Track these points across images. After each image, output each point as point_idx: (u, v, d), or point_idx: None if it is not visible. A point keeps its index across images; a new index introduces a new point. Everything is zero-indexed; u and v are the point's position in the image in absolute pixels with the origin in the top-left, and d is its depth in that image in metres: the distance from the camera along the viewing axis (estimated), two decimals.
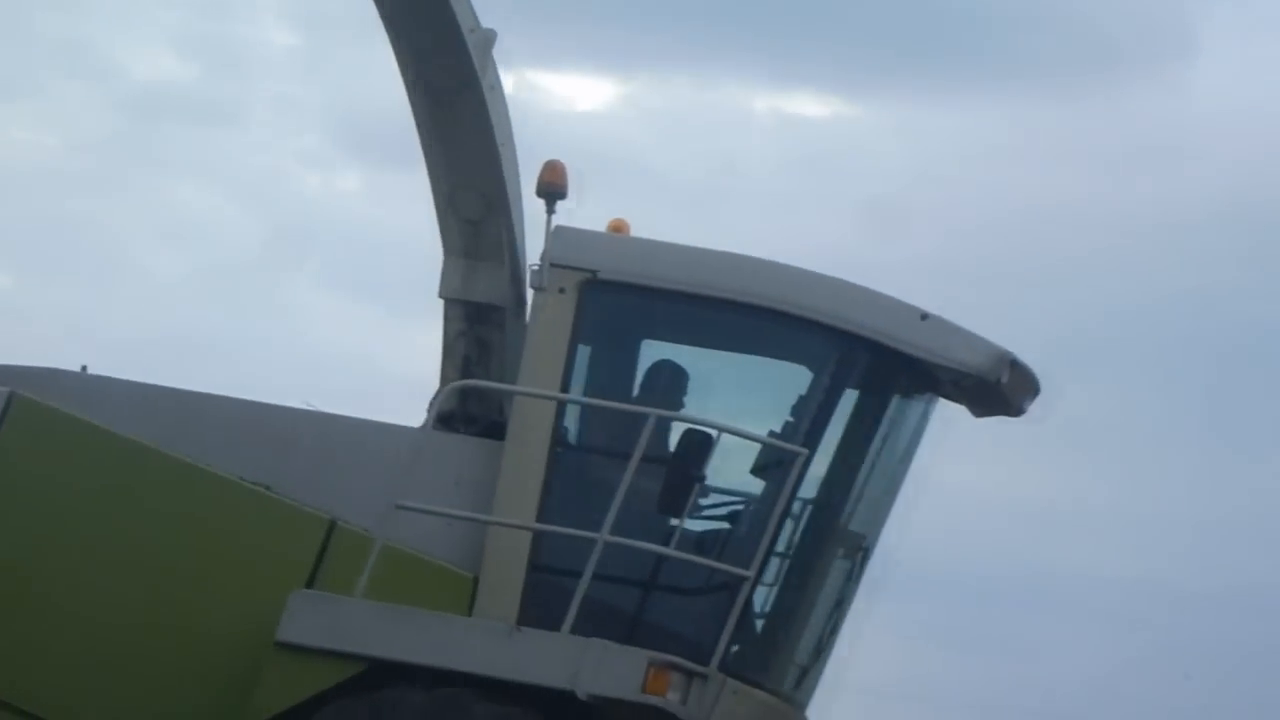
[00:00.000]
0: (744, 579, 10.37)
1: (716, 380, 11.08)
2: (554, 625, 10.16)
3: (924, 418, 11.27)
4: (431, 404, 11.01)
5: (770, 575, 10.57)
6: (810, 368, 10.76)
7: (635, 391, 10.89)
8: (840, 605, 11.28)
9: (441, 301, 11.48)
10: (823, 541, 10.92)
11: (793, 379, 10.86)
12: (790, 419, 10.68)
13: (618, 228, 10.98)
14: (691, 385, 10.93)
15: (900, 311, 10.67)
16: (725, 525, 10.78)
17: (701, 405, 10.63)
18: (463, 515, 10.43)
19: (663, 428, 10.62)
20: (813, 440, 10.55)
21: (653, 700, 9.99)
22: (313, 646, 10.15)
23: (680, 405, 10.86)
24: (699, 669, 10.22)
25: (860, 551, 11.21)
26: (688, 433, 10.34)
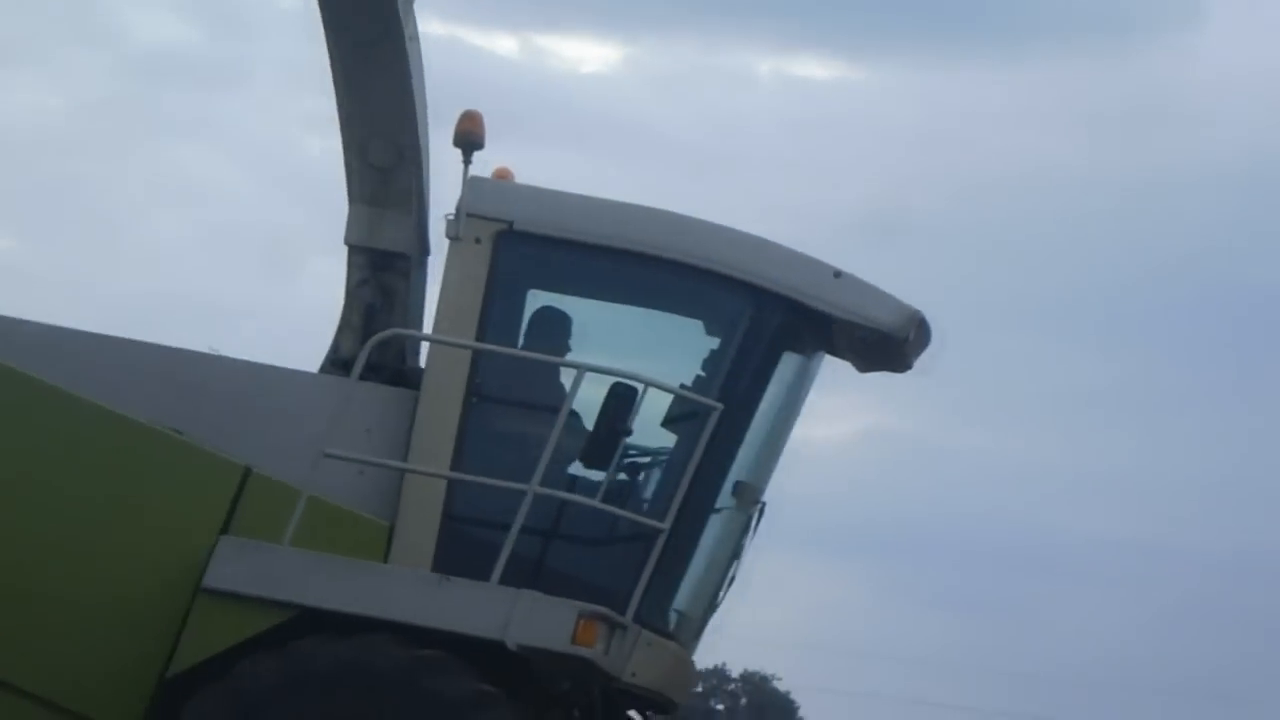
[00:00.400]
0: (659, 532, 10.44)
1: (630, 333, 11.16)
2: (468, 574, 10.16)
3: (814, 374, 11.42)
4: (332, 350, 11.06)
5: (678, 527, 10.59)
6: (725, 323, 10.84)
7: (521, 341, 10.86)
8: (736, 556, 11.39)
9: (345, 248, 11.42)
10: (724, 495, 11.00)
11: (707, 334, 10.98)
12: (703, 374, 10.77)
13: (503, 175, 10.91)
14: (605, 338, 11.03)
15: (815, 269, 10.77)
16: (630, 477, 10.82)
17: (615, 359, 10.59)
18: (395, 465, 10.41)
19: (555, 378, 10.71)
20: (727, 395, 10.61)
21: (582, 652, 10.05)
22: (242, 593, 10.09)
23: (566, 353, 10.90)
24: (621, 620, 10.31)
25: (757, 504, 11.33)
26: (615, 386, 10.34)
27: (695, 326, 11.04)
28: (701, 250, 10.66)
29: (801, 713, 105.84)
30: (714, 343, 10.88)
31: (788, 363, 11.10)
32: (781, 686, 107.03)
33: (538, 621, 10.04)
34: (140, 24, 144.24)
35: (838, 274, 10.77)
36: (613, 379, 10.30)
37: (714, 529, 11.04)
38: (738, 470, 10.96)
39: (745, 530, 11.34)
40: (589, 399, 10.40)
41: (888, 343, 10.96)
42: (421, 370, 10.91)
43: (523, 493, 10.23)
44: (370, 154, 11.25)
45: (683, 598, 11.07)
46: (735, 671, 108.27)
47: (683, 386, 10.72)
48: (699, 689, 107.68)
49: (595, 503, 10.42)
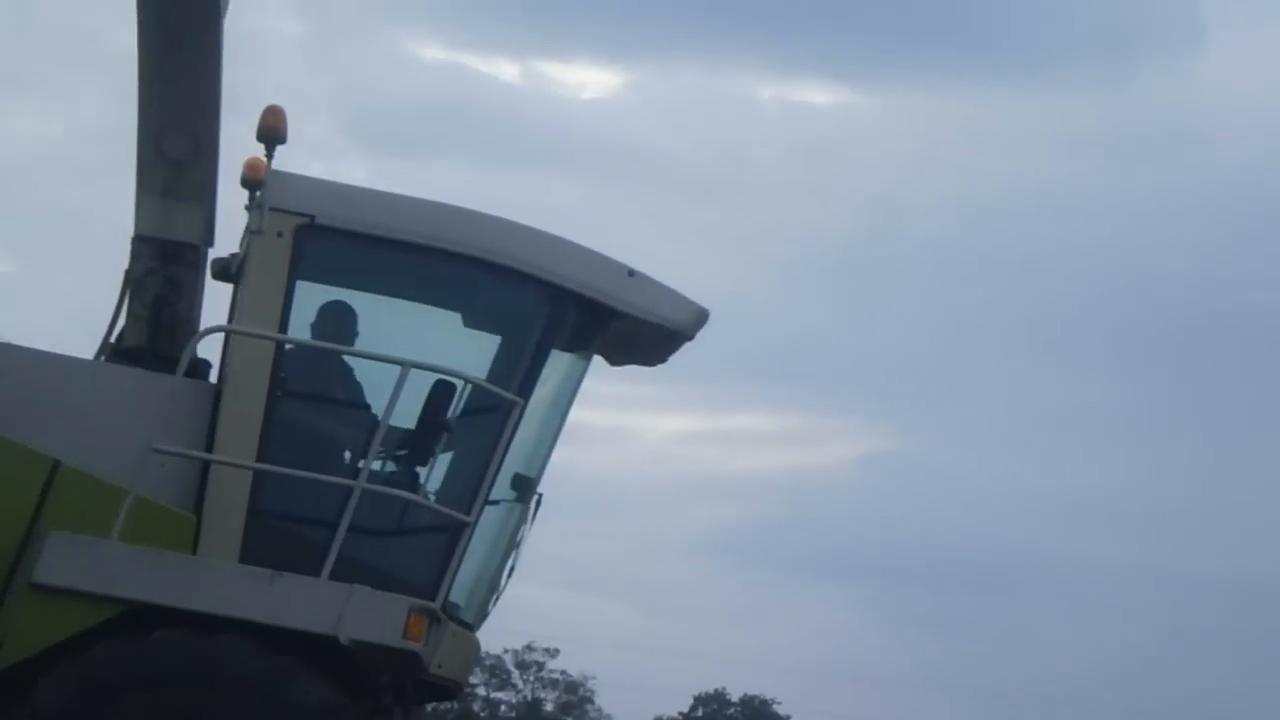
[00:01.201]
0: (464, 525, 10.62)
1: (430, 329, 11.23)
2: (273, 566, 10.24)
3: (588, 369, 11.59)
4: (113, 339, 11.01)
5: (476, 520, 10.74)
6: (522, 319, 11.03)
7: (309, 333, 10.90)
8: (516, 546, 11.57)
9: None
10: (513, 486, 11.19)
11: (506, 330, 11.16)
12: (501, 368, 10.94)
13: (254, 166, 10.75)
14: (404, 334, 11.08)
15: (610, 268, 11.00)
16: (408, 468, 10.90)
17: (413, 354, 10.57)
18: (224, 461, 10.42)
19: (349, 372, 10.81)
20: (525, 390, 10.81)
21: (412, 646, 10.22)
22: (72, 589, 10.04)
23: (351, 344, 10.96)
24: (442, 614, 10.48)
25: (534, 496, 11.49)
26: (437, 383, 10.51)
27: (494, 323, 11.19)
28: (501, 248, 10.82)
29: None
30: (513, 339, 11.06)
31: (576, 358, 11.34)
32: (781, 710, 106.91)
33: (370, 617, 10.17)
34: None
35: (631, 273, 11.01)
36: (396, 369, 10.37)
37: (497, 520, 11.20)
38: (518, 463, 11.11)
39: (523, 521, 11.50)
40: (380, 392, 10.51)
41: (672, 339, 11.25)
42: (207, 362, 10.94)
43: (344, 488, 10.35)
44: (165, 145, 11.24)
45: (475, 588, 11.24)
46: (735, 696, 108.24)
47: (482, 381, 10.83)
48: (699, 713, 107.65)
49: (420, 499, 10.63)
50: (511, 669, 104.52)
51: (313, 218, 10.69)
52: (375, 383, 10.69)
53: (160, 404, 10.42)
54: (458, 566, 10.61)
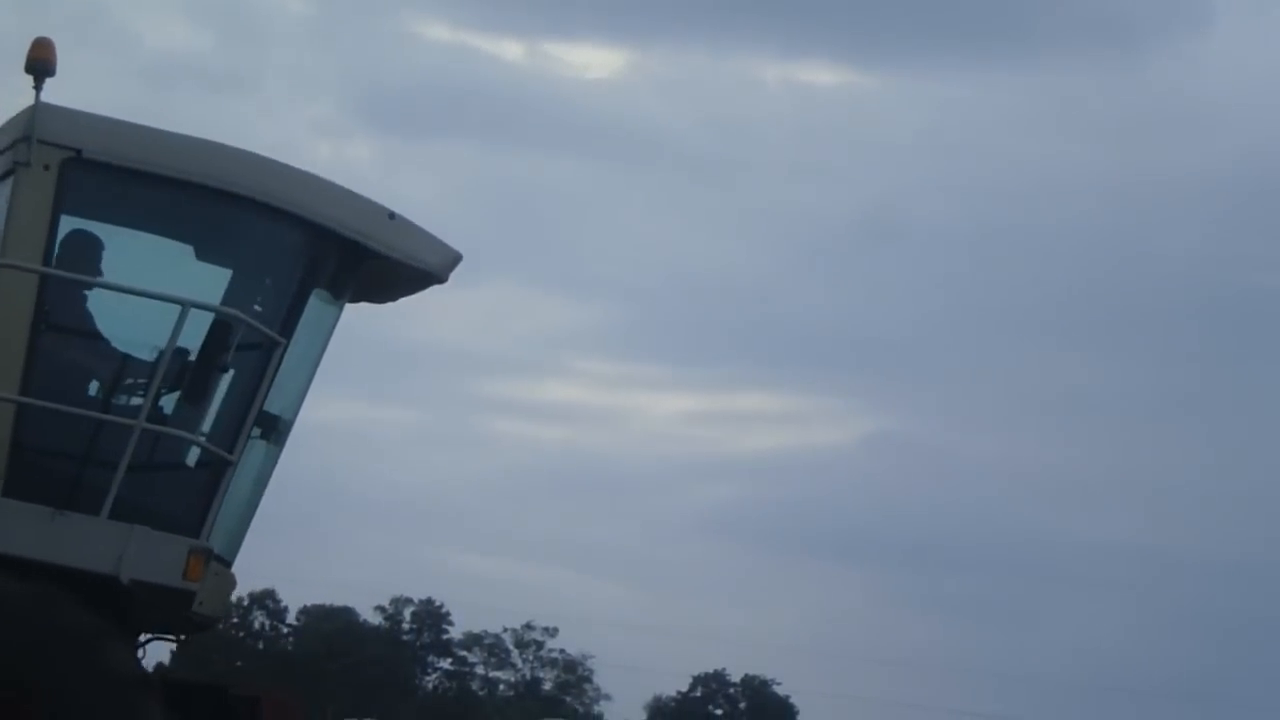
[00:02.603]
0: (229, 463, 10.66)
1: (192, 266, 11.17)
2: (37, 501, 10.18)
3: (342, 310, 11.58)
4: None
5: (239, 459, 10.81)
6: (286, 259, 11.04)
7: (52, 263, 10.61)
8: (264, 485, 11.53)
9: None
10: (258, 424, 11.10)
11: (268, 269, 11.16)
12: (260, 308, 10.93)
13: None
14: (163, 268, 11.04)
15: (372, 210, 11.07)
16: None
17: (174, 290, 10.53)
18: (7, 398, 10.28)
19: (79, 297, 10.75)
20: (287, 330, 10.86)
21: (191, 586, 10.26)
22: None
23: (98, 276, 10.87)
24: (216, 553, 10.50)
25: (282, 434, 11.43)
26: (216, 322, 10.49)
27: (257, 261, 11.17)
28: (267, 187, 10.80)
29: (801, 717, 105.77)
30: (275, 278, 11.07)
31: (331, 299, 11.31)
32: (781, 691, 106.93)
33: (151, 558, 10.19)
34: (149, 29, 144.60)
35: (392, 216, 11.07)
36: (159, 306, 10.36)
37: (253, 459, 11.20)
38: (272, 403, 11.09)
39: (273, 461, 11.48)
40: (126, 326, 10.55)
41: (424, 281, 11.38)
42: None
43: (117, 425, 10.33)
44: None
45: (233, 526, 11.22)
46: (735, 676, 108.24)
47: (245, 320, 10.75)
48: (698, 693, 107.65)
49: (198, 438, 10.66)
50: (511, 648, 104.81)
51: (79, 151, 10.58)
52: (127, 317, 10.65)
53: None
54: (220, 505, 10.65)
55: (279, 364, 10.73)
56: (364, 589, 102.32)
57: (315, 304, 11.09)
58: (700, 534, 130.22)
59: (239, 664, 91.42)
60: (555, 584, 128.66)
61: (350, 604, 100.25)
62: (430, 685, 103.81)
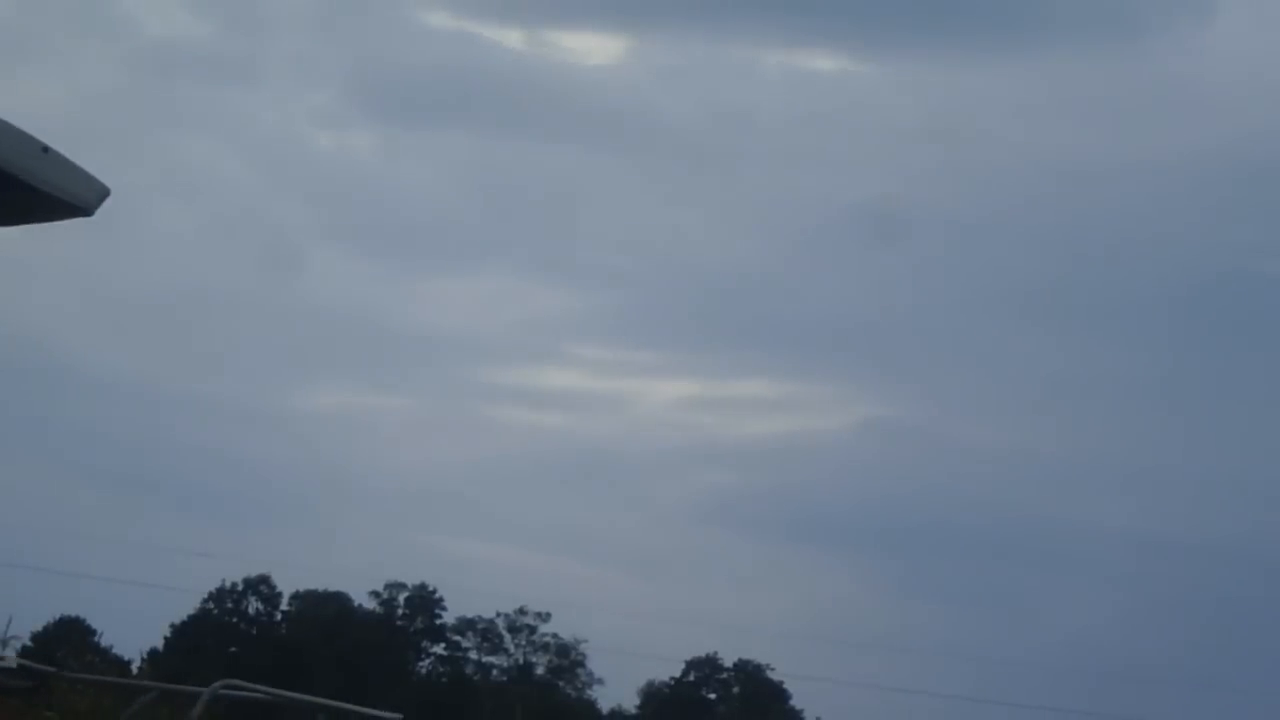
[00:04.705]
0: None
1: None
2: None
3: None
4: None
5: None
6: None
7: None
8: None
9: None
10: None
11: None
12: None
13: None
14: None
15: (26, 143, 11.05)
16: None
17: None
18: None
19: None
20: None
21: None
22: None
23: None
24: None
25: None
26: None
27: None
28: None
29: (793, 702, 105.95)
30: None
31: None
32: (774, 676, 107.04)
33: None
34: (150, 17, 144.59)
35: (45, 149, 11.07)
36: None
37: None
38: None
39: None
40: None
41: (72, 214, 11.46)
42: None
43: None
44: None
45: None
46: (728, 661, 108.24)
47: None
48: (691, 678, 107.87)
49: None
50: (504, 632, 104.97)
51: None
52: None
53: None
54: None
55: None
56: (358, 574, 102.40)
57: None
58: (696, 519, 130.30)
59: (233, 649, 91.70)
60: (549, 569, 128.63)
61: (344, 589, 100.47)
62: (423, 670, 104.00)
